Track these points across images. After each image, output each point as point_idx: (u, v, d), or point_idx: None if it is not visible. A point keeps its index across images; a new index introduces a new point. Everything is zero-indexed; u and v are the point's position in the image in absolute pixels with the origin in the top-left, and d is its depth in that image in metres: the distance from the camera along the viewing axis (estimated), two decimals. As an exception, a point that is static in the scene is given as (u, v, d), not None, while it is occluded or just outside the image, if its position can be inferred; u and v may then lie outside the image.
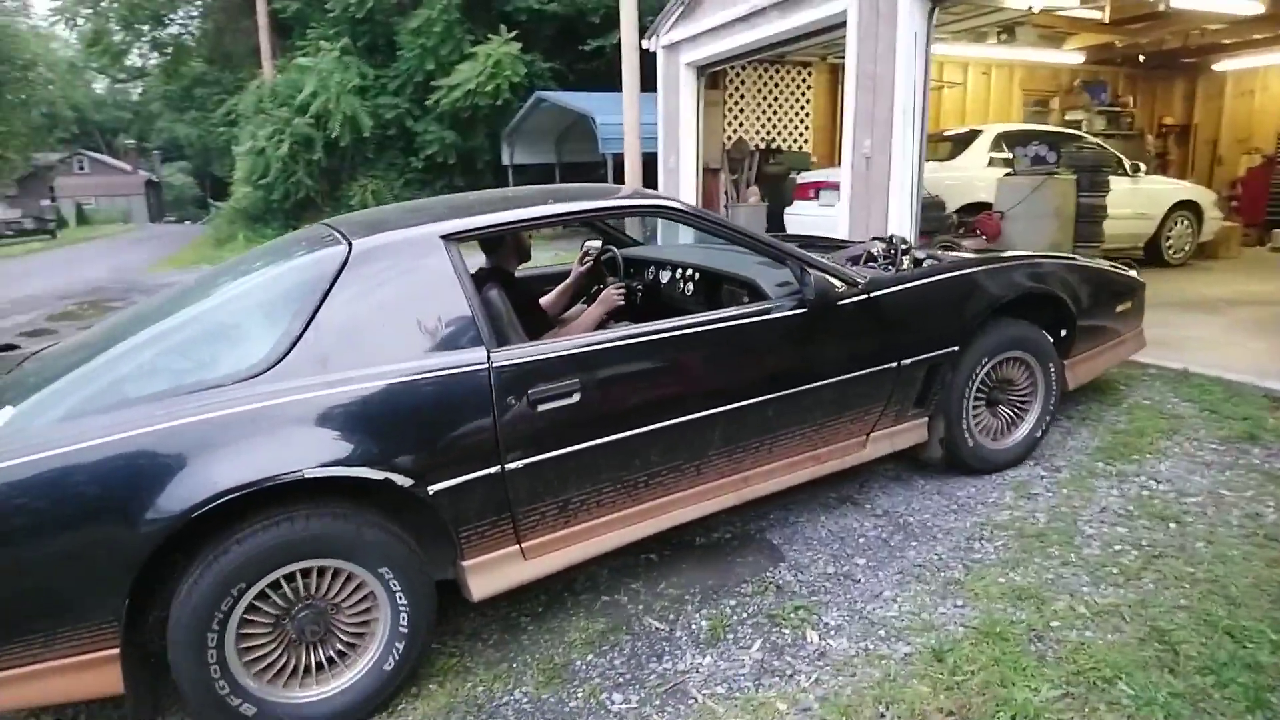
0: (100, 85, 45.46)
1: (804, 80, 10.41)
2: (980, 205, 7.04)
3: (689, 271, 3.24)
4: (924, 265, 3.08)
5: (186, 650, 1.86)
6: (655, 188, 10.06)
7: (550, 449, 2.20)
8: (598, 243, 3.59)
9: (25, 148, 34.41)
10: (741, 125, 10.18)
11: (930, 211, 6.50)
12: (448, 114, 16.81)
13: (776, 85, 10.28)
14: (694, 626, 2.41)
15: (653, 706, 2.08)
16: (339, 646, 2.07)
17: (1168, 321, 5.36)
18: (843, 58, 6.56)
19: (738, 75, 9.91)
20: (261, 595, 1.93)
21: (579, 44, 16.73)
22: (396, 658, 2.08)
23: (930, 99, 6.39)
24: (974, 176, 7.31)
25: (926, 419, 3.09)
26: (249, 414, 1.89)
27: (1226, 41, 9.52)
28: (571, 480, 2.28)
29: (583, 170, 17.03)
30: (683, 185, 9.45)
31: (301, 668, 2.03)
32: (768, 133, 10.40)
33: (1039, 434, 3.34)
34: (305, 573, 1.98)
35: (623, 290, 3.07)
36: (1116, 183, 6.78)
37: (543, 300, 3.40)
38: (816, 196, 7.89)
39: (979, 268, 3.12)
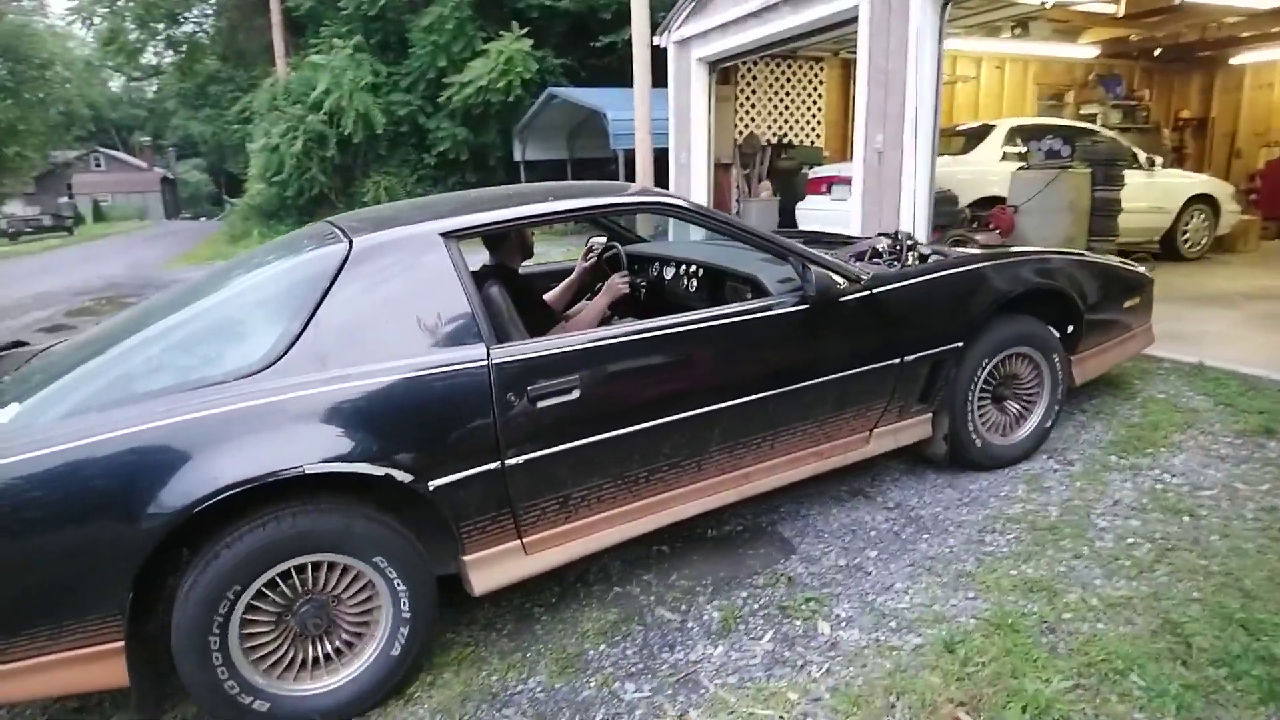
0: (116, 83, 45.82)
1: (816, 75, 10.38)
2: (994, 200, 7.00)
3: (693, 268, 3.25)
4: (930, 261, 3.07)
5: (191, 655, 1.88)
6: (667, 183, 10.07)
7: (550, 445, 2.21)
8: (603, 239, 3.60)
9: (43, 146, 34.75)
10: (753, 120, 10.16)
11: (943, 206, 6.48)
12: (460, 110, 16.87)
13: (788, 80, 10.26)
14: (706, 617, 2.42)
15: (665, 696, 2.10)
16: (345, 637, 2.09)
17: (1183, 315, 5.33)
18: (855, 53, 6.53)
19: (749, 70, 9.88)
20: (260, 594, 1.95)
21: (590, 40, 16.74)
22: (403, 643, 2.09)
23: (943, 93, 6.37)
24: (987, 171, 7.28)
25: (931, 415, 3.08)
26: (249, 410, 1.91)
27: (1245, 34, 9.41)
28: (572, 476, 2.29)
29: (594, 166, 17.05)
30: (694, 181, 9.46)
31: (310, 660, 2.06)
32: (780, 128, 10.37)
33: (1045, 430, 3.33)
34: (300, 569, 1.99)
35: (627, 278, 3.07)
36: (1131, 176, 6.73)
37: (548, 296, 3.42)
38: (829, 191, 7.88)
39: (983, 264, 3.11)
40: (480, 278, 2.68)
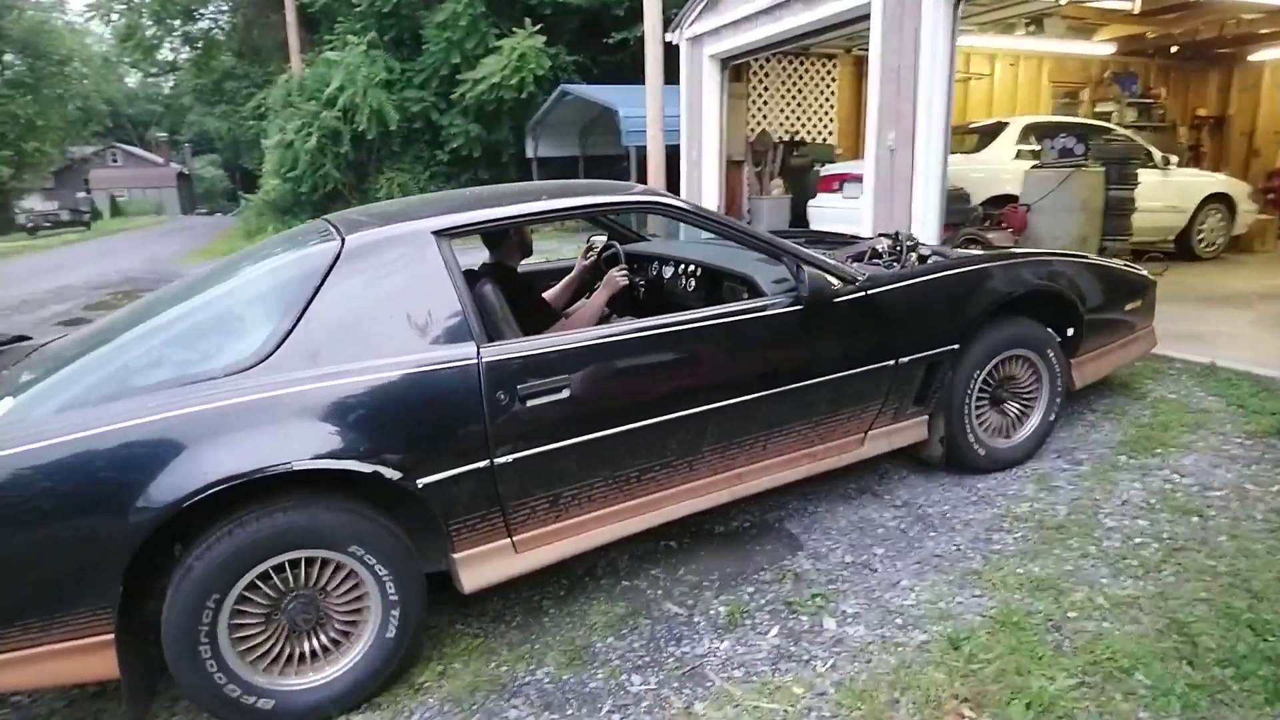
0: (133, 79, 46.20)
1: (828, 72, 10.36)
2: (1006, 198, 6.97)
3: (691, 267, 3.24)
4: (929, 263, 3.06)
5: (184, 660, 1.90)
6: (678, 180, 10.08)
7: (540, 444, 2.22)
8: (602, 238, 3.62)
9: (61, 141, 35.14)
10: (765, 118, 10.15)
11: (955, 204, 6.46)
12: (473, 107, 16.91)
13: (801, 78, 10.24)
14: (712, 612, 2.44)
15: (671, 689, 2.12)
16: (338, 626, 2.10)
17: (1196, 316, 5.31)
18: (867, 50, 6.52)
19: (761, 68, 9.88)
20: (248, 592, 1.96)
21: (603, 37, 16.74)
22: (396, 624, 2.10)
23: (957, 91, 6.35)
24: (1000, 169, 7.25)
25: (926, 417, 3.07)
26: (238, 406, 1.92)
27: (1264, 31, 9.32)
28: (562, 475, 2.29)
29: (606, 163, 17.06)
30: (705, 178, 9.46)
31: (308, 653, 2.07)
32: (792, 125, 10.36)
33: (1043, 433, 3.30)
34: (285, 565, 1.99)
35: (625, 272, 3.08)
36: (1146, 175, 6.69)
37: (548, 294, 3.44)
38: (840, 189, 7.87)
39: (980, 265, 3.08)
40: (476, 276, 2.69)
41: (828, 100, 10.47)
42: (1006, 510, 2.93)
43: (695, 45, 9.22)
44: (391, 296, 2.18)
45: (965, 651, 2.14)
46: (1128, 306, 3.58)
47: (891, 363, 2.82)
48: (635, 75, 11.31)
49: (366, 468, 2.00)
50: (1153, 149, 7.54)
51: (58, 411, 1.87)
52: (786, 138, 10.20)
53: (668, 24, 9.62)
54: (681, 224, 2.81)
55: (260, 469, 1.89)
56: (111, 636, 1.86)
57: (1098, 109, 10.35)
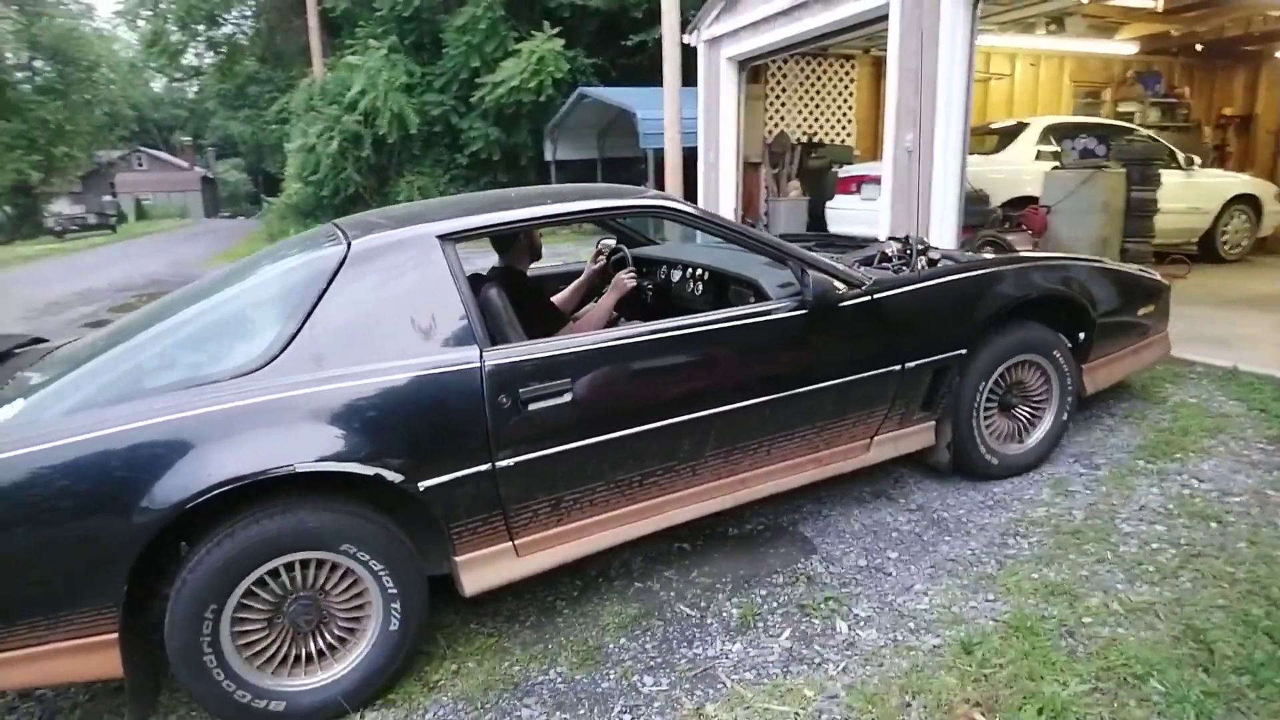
0: (158, 84, 46.83)
1: (847, 73, 10.32)
2: (1027, 199, 6.92)
3: (699, 271, 3.24)
4: (938, 266, 3.03)
5: (192, 673, 1.93)
6: (695, 182, 10.09)
7: (542, 448, 2.22)
8: (611, 241, 3.63)
9: (89, 146, 35.74)
10: (783, 119, 10.14)
11: (974, 206, 6.42)
12: (492, 110, 17.04)
13: (819, 79, 10.22)
14: (725, 614, 2.45)
15: (683, 690, 2.14)
16: (341, 624, 2.12)
17: (1219, 318, 5.24)
18: (886, 51, 6.50)
19: (779, 69, 9.86)
20: (242, 606, 1.97)
21: (621, 39, 16.80)
22: (398, 617, 2.11)
23: (976, 91, 6.31)
24: (1021, 170, 7.19)
25: (934, 423, 3.05)
26: (242, 409, 1.94)
27: (1292, 28, 9.19)
28: (564, 478, 2.29)
29: (624, 165, 17.10)
30: (723, 180, 9.47)
31: (314, 652, 2.09)
32: (810, 126, 10.34)
33: (1054, 440, 3.26)
34: (274, 573, 2.00)
35: (633, 273, 3.09)
36: (1169, 176, 6.62)
37: (557, 298, 3.46)
38: (858, 191, 7.85)
39: (989, 269, 3.06)
40: (483, 280, 2.71)
41: (846, 101, 10.44)
42: (1022, 515, 2.92)
43: (713, 47, 9.23)
44: (396, 300, 2.20)
45: (978, 656, 2.14)
46: (1141, 311, 3.53)
47: (898, 367, 2.80)
48: (653, 77, 11.34)
49: (368, 470, 2.01)
50: (1175, 149, 7.45)
51: (67, 413, 1.90)
52: (804, 139, 10.18)
53: (685, 26, 9.63)
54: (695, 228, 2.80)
55: (263, 471, 1.90)
56: (116, 636, 1.88)
57: (1120, 109, 10.25)
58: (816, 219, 9.01)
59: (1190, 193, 7.25)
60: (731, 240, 2.78)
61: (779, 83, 9.98)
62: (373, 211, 2.90)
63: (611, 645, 2.35)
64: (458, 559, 2.23)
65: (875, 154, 9.16)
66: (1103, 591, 2.40)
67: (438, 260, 2.24)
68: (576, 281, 3.60)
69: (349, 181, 17.64)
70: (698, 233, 3.18)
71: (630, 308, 3.30)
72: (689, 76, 9.84)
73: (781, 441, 2.67)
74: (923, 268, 3.04)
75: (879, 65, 9.95)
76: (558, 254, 9.85)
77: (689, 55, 9.70)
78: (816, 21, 7.28)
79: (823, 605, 2.45)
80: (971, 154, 6.20)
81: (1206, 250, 7.70)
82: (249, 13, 25.95)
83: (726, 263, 3.10)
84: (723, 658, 2.25)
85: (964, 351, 2.94)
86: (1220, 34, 9.28)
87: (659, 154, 11.26)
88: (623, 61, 17.30)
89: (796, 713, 2.01)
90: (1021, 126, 7.67)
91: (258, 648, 2.03)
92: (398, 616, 2.11)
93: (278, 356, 2.03)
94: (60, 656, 1.87)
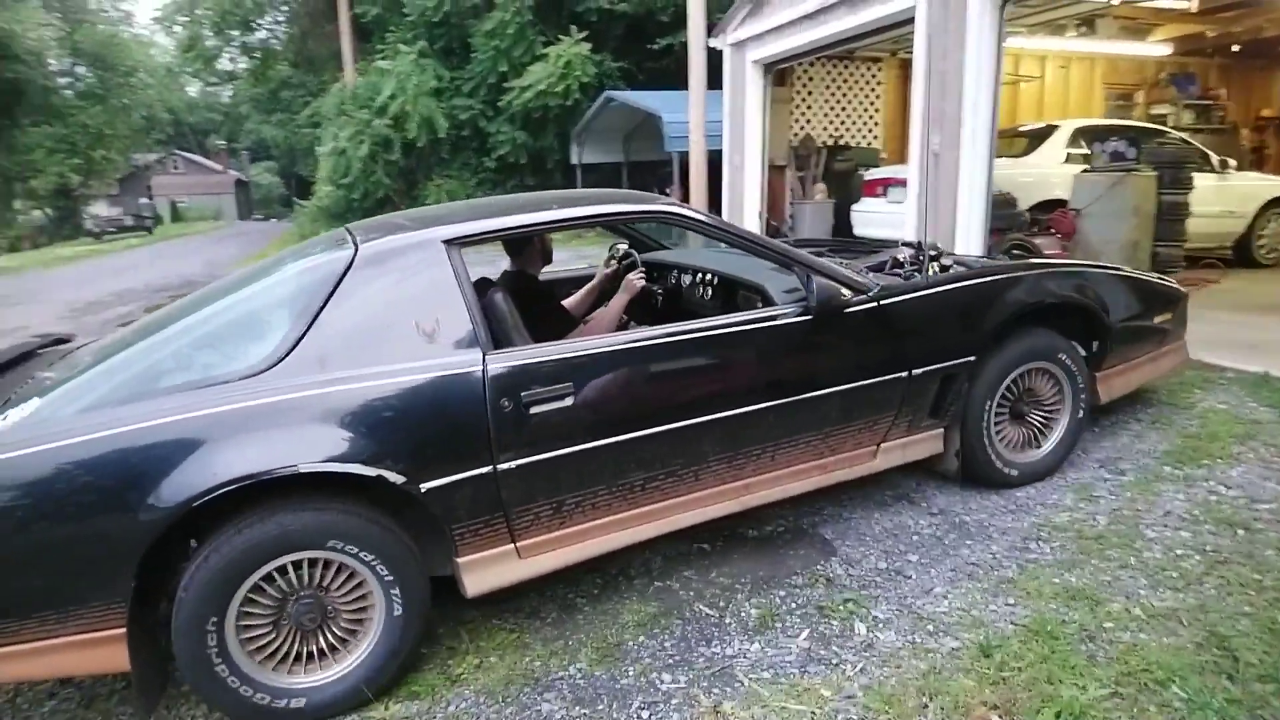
0: (193, 89, 47.69)
1: (874, 76, 10.29)
2: (1056, 203, 6.85)
3: (708, 276, 3.25)
4: (949, 272, 3.01)
5: (205, 683, 1.98)
6: (720, 185, 10.10)
7: (544, 451, 2.23)
8: (624, 245, 3.66)
9: (126, 149, 36.53)
10: (809, 122, 10.13)
11: (1001, 209, 6.37)
12: (519, 114, 17.17)
13: (845, 81, 10.19)
14: (743, 614, 2.47)
15: (700, 688, 2.16)
16: (347, 616, 2.14)
17: (1252, 324, 5.16)
18: (912, 53, 6.48)
19: (805, 72, 9.86)
20: (243, 614, 2.00)
21: (648, 43, 16.84)
22: (400, 603, 2.13)
23: (1006, 93, 6.28)
24: (1050, 173, 7.12)
25: (942, 430, 3.03)
26: (249, 410, 1.98)
27: (1332, 28, 9.00)
28: (566, 482, 2.31)
29: (650, 168, 17.14)
30: (748, 183, 9.47)
31: (325, 647, 2.13)
32: (836, 129, 10.31)
33: (1066, 448, 3.22)
34: (268, 577, 2.02)
35: (643, 274, 3.11)
36: (1202, 179, 6.53)
37: (569, 301, 3.50)
38: (884, 194, 7.82)
39: (998, 276, 3.02)
40: (491, 285, 2.74)
41: (873, 104, 10.40)
42: (1045, 520, 2.90)
43: (739, 50, 9.24)
44: (401, 304, 2.23)
45: (996, 659, 2.14)
46: (1157, 319, 3.47)
47: (904, 374, 2.77)
48: (679, 81, 11.36)
49: (371, 471, 2.04)
50: (1210, 152, 7.33)
51: (80, 412, 1.95)
52: (830, 142, 10.16)
53: (711, 30, 9.66)
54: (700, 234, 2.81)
55: (267, 471, 1.94)
56: (123, 630, 1.92)
57: (1153, 111, 10.10)
58: (842, 222, 8.98)
59: (1225, 196, 7.13)
60: (737, 246, 2.77)
61: (805, 85, 9.97)
62: (398, 213, 2.96)
63: (631, 643, 2.38)
64: (460, 560, 2.25)
65: (902, 157, 9.11)
66: (1125, 597, 2.39)
67: (443, 265, 2.27)
68: (589, 285, 3.64)
69: (379, 185, 17.87)
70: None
71: (641, 312, 3.33)
72: (715, 80, 9.85)
73: (785, 447, 2.66)
74: (934, 274, 3.02)
75: (906, 68, 9.91)
76: (583, 256, 9.91)
77: (715, 58, 9.72)
78: (842, 25, 7.27)
79: (841, 607, 2.46)
80: (1000, 156, 6.16)
81: (1242, 255, 7.56)
82: (282, 18, 26.37)
83: (735, 268, 3.10)
84: (741, 657, 2.27)
85: (973, 359, 2.91)
86: (1258, 34, 9.11)
87: (684, 157, 11.28)
88: (649, 65, 17.33)
89: (813, 712, 2.02)
90: (1051, 129, 7.59)
91: (268, 650, 2.06)
92: (399, 602, 2.13)
93: (284, 358, 2.07)
94: (69, 650, 1.91)
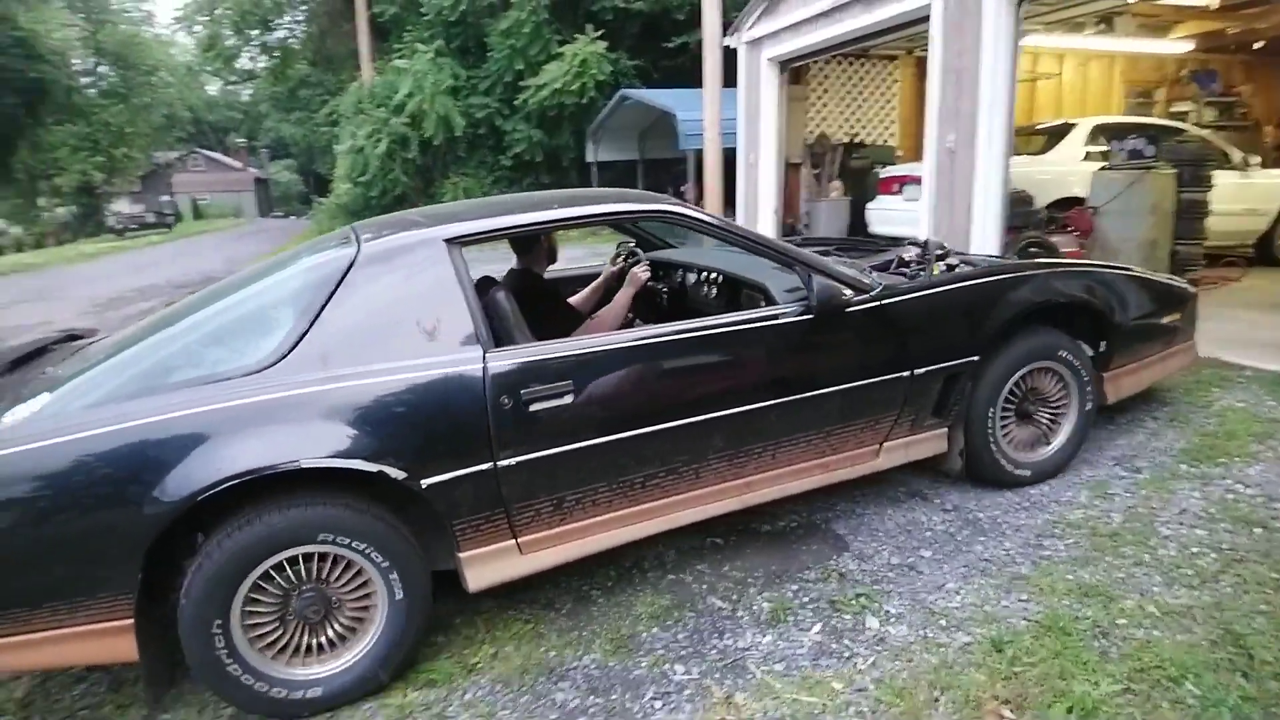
0: (213, 87, 48.13)
1: (889, 74, 10.25)
2: (1074, 200, 6.80)
3: (713, 275, 3.26)
4: (955, 272, 3.00)
5: (219, 684, 2.03)
6: (735, 183, 10.10)
7: (544, 448, 2.25)
8: (630, 243, 3.68)
9: (148, 147, 36.99)
10: (824, 120, 10.10)
11: (1017, 207, 6.34)
12: (535, 113, 17.23)
13: (861, 79, 10.16)
14: (756, 607, 2.49)
15: (712, 679, 2.18)
16: (351, 606, 2.18)
17: (1271, 322, 5.11)
18: (928, 51, 6.45)
19: (821, 70, 9.83)
20: (246, 615, 2.03)
21: (663, 41, 16.86)
22: (401, 586, 2.16)
23: (1023, 91, 6.25)
24: (1068, 171, 7.06)
25: (946, 430, 3.01)
26: (251, 406, 2.01)
27: (1358, 24, 8.86)
28: (566, 479, 2.32)
29: (665, 166, 17.17)
30: (763, 180, 9.46)
31: (334, 637, 2.17)
32: (851, 127, 10.29)
33: (1073, 449, 3.21)
34: (267, 576, 2.05)
35: (648, 267, 3.14)
36: (1223, 177, 6.45)
37: (575, 299, 3.52)
38: (900, 191, 7.80)
39: (1002, 276, 3.01)
40: (494, 283, 2.76)
41: (889, 102, 10.37)
42: (1059, 517, 2.90)
43: (754, 49, 9.24)
44: (402, 302, 2.25)
45: (1008, 654, 2.15)
46: (1165, 319, 3.44)
47: (907, 374, 2.77)
48: (694, 79, 11.37)
49: (372, 467, 2.06)
50: (1231, 149, 7.25)
51: (88, 407, 1.99)
52: (846, 139, 10.13)
53: (727, 28, 9.66)
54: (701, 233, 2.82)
55: (270, 466, 1.97)
56: (131, 621, 1.96)
57: (1174, 109, 9.99)
58: (858, 219, 8.96)
59: (1247, 193, 7.05)
60: (737, 245, 2.78)
61: (820, 83, 9.95)
62: (411, 210, 2.98)
63: (644, 634, 2.40)
64: (461, 556, 2.27)
65: (919, 154, 9.07)
66: (1139, 594, 2.39)
67: (444, 263, 2.30)
68: (595, 283, 3.66)
69: (396, 182, 17.98)
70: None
71: (646, 310, 3.35)
72: (730, 78, 9.85)
73: (787, 445, 2.66)
74: (939, 273, 3.01)
75: (922, 66, 9.81)
76: (597, 254, 9.94)
77: (730, 57, 9.72)
78: (858, 23, 7.25)
79: (854, 601, 2.48)
80: (1018, 154, 6.12)
81: (1264, 253, 7.47)
82: (301, 18, 26.58)
83: (739, 267, 3.10)
84: (753, 649, 2.29)
85: (976, 359, 2.90)
86: (1281, 30, 9.00)
87: (699, 155, 11.29)
88: (664, 63, 17.34)
89: (824, 704, 2.04)
90: (1069, 127, 7.54)
91: (279, 644, 2.11)
92: (399, 586, 2.16)
93: (287, 355, 2.10)
94: (78, 640, 1.95)
